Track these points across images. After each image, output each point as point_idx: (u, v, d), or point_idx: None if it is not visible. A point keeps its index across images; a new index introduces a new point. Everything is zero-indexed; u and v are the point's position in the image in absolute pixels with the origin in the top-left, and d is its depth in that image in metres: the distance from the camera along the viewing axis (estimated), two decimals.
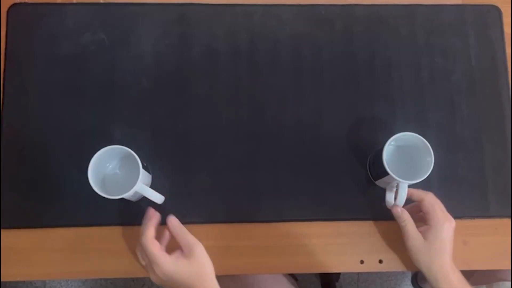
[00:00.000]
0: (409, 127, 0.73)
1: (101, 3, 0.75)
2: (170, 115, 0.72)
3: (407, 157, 0.68)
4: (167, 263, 0.58)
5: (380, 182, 0.69)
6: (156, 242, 0.59)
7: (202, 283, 0.59)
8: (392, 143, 0.65)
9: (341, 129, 0.73)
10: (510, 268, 0.70)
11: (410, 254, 0.65)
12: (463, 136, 0.74)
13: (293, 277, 1.12)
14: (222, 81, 0.74)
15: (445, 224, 0.62)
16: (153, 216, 0.61)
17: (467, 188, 0.72)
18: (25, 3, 0.74)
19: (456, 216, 0.69)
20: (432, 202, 0.64)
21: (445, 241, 0.62)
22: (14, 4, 0.74)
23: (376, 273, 1.36)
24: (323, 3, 0.77)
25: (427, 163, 0.64)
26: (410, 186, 0.64)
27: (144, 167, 0.63)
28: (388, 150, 0.66)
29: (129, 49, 0.74)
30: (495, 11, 0.78)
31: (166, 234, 0.62)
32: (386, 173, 0.63)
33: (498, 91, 0.75)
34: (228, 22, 0.76)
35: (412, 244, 0.64)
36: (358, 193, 0.71)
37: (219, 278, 0.61)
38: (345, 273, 1.34)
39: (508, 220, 0.71)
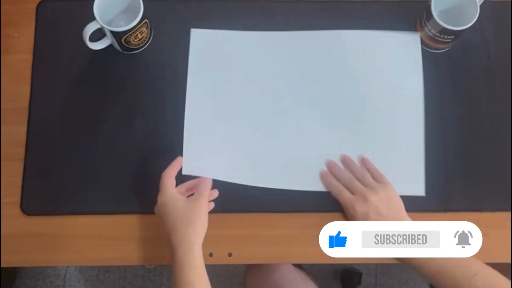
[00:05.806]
0: (428, 121, 0.73)
1: None
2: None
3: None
4: (170, 193, 0.63)
5: None
6: (173, 179, 0.65)
7: (187, 225, 0.62)
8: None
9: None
10: None
11: None
12: (483, 130, 0.74)
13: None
14: None
15: None
16: (178, 162, 0.68)
17: (487, 181, 0.72)
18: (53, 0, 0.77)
19: (477, 209, 0.70)
20: None
21: None
22: (43, 1, 0.76)
23: (395, 276, 1.35)
24: None
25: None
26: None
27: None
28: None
29: (153, 43, 0.75)
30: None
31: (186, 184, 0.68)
32: None
33: None
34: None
35: None
36: None
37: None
38: (363, 281, 1.33)
39: None
